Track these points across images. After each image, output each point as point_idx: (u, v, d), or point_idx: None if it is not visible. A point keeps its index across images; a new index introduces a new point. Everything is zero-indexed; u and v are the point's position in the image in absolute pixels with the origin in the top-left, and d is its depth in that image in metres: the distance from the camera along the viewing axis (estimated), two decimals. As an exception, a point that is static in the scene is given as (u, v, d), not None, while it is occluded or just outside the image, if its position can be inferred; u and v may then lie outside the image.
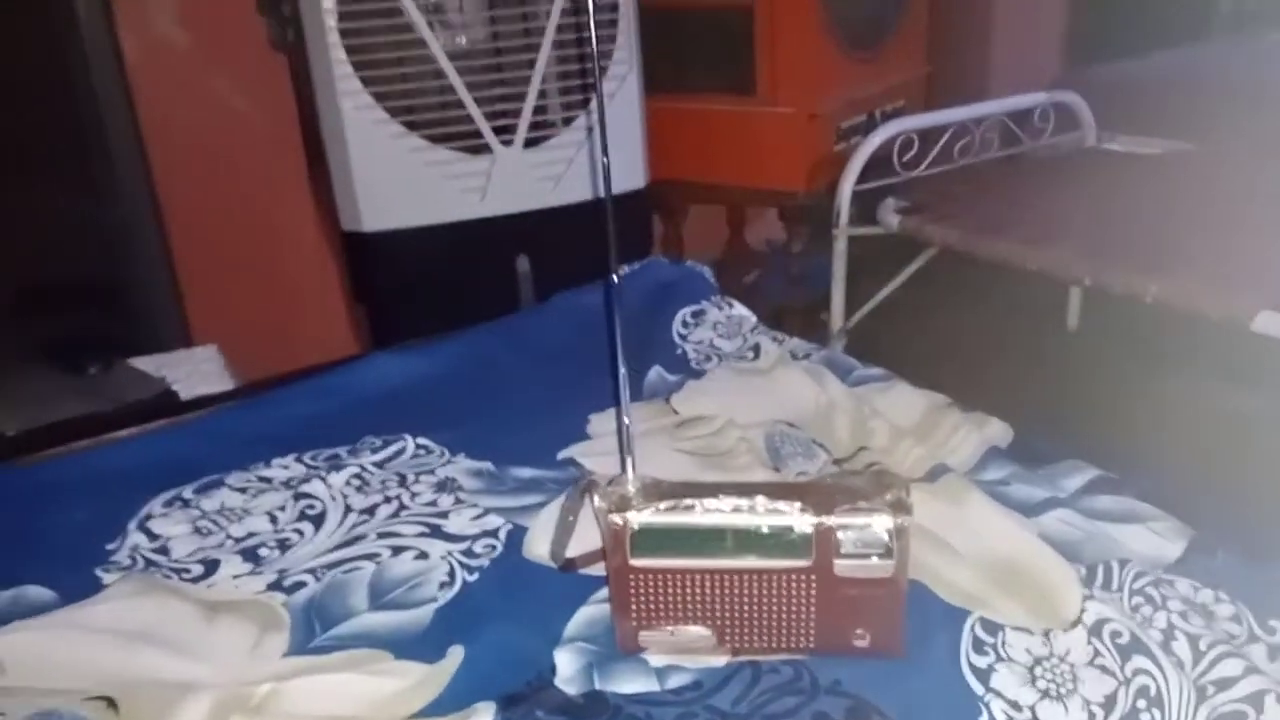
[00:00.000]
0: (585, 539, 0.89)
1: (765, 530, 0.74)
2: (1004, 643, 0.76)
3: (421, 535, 0.94)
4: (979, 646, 0.76)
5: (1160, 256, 1.66)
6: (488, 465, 1.05)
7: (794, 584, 0.74)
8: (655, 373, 1.23)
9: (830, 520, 0.73)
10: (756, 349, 1.28)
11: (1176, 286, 1.58)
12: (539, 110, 1.92)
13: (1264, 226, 1.74)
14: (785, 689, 0.74)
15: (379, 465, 1.07)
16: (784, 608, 0.75)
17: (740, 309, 1.38)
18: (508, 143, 1.91)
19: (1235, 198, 1.93)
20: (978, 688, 0.72)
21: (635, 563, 0.75)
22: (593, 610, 0.83)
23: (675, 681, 0.75)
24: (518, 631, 0.81)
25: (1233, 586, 0.79)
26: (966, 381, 1.07)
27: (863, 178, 2.05)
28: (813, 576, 0.74)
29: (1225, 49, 3.24)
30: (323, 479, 1.03)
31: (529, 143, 1.93)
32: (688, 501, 0.75)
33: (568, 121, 1.93)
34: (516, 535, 0.94)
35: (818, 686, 0.74)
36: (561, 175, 1.94)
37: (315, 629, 0.83)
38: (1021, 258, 1.78)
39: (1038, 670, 0.74)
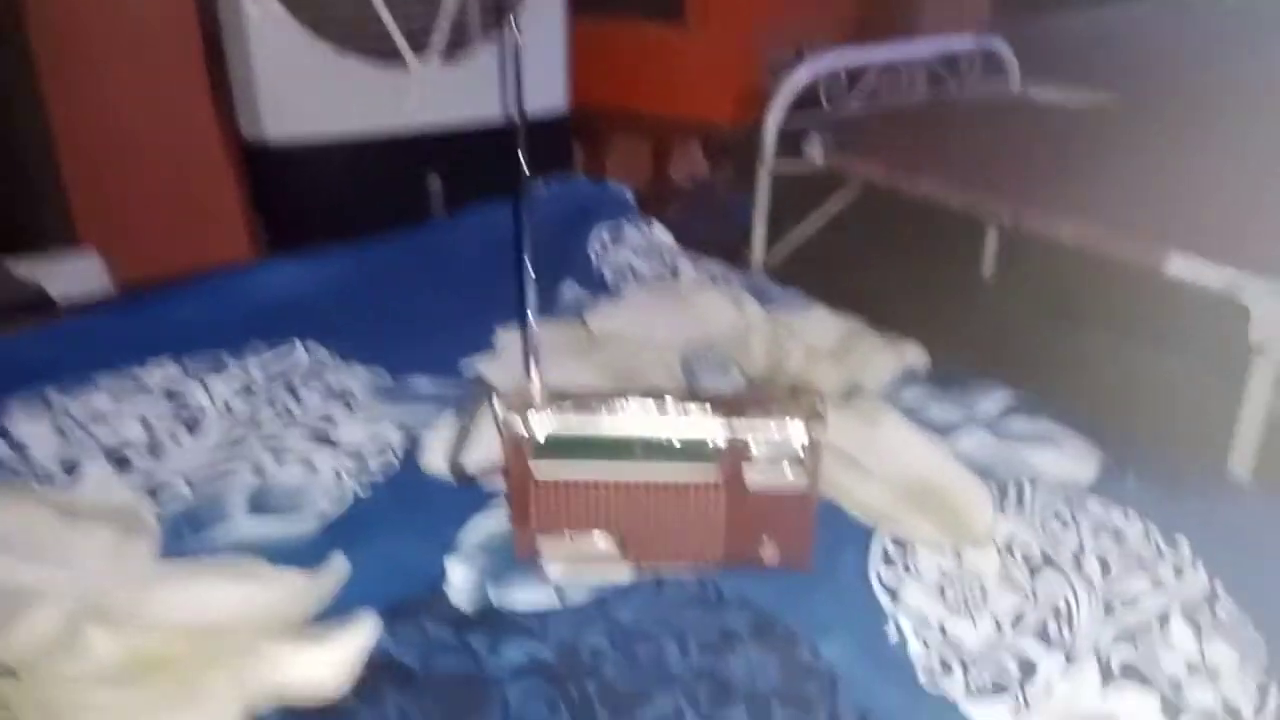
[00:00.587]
0: (484, 451, 0.84)
1: (674, 438, 0.70)
2: (913, 559, 0.74)
3: (308, 442, 0.88)
4: (888, 562, 0.74)
5: (1078, 200, 1.66)
6: (384, 375, 0.99)
7: (703, 495, 0.71)
8: (569, 288, 1.18)
9: (742, 430, 0.69)
10: (675, 271, 1.24)
11: (1092, 229, 1.58)
12: (457, 22, 1.82)
13: (1181, 177, 1.76)
14: (690, 602, 0.71)
15: (265, 371, 0.99)
16: (692, 520, 0.72)
17: (660, 231, 1.34)
18: (422, 54, 1.82)
19: (1154, 149, 1.94)
20: (886, 602, 0.70)
21: (536, 470, 0.70)
22: (490, 521, 0.78)
23: (576, 596, 0.71)
24: (409, 542, 0.76)
25: (1143, 507, 0.78)
26: (878, 324, 1.06)
27: (790, 117, 2.01)
28: (722, 488, 0.71)
29: (1149, 6, 3.27)
30: (203, 383, 0.96)
31: (445, 55, 1.84)
32: (594, 407, 0.70)
33: (487, 32, 1.85)
34: (412, 445, 0.88)
35: (723, 600, 0.71)
36: (479, 91, 1.85)
37: (184, 536, 0.77)
38: (944, 196, 1.77)
39: (946, 586, 0.72)
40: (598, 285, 1.20)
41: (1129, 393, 1.82)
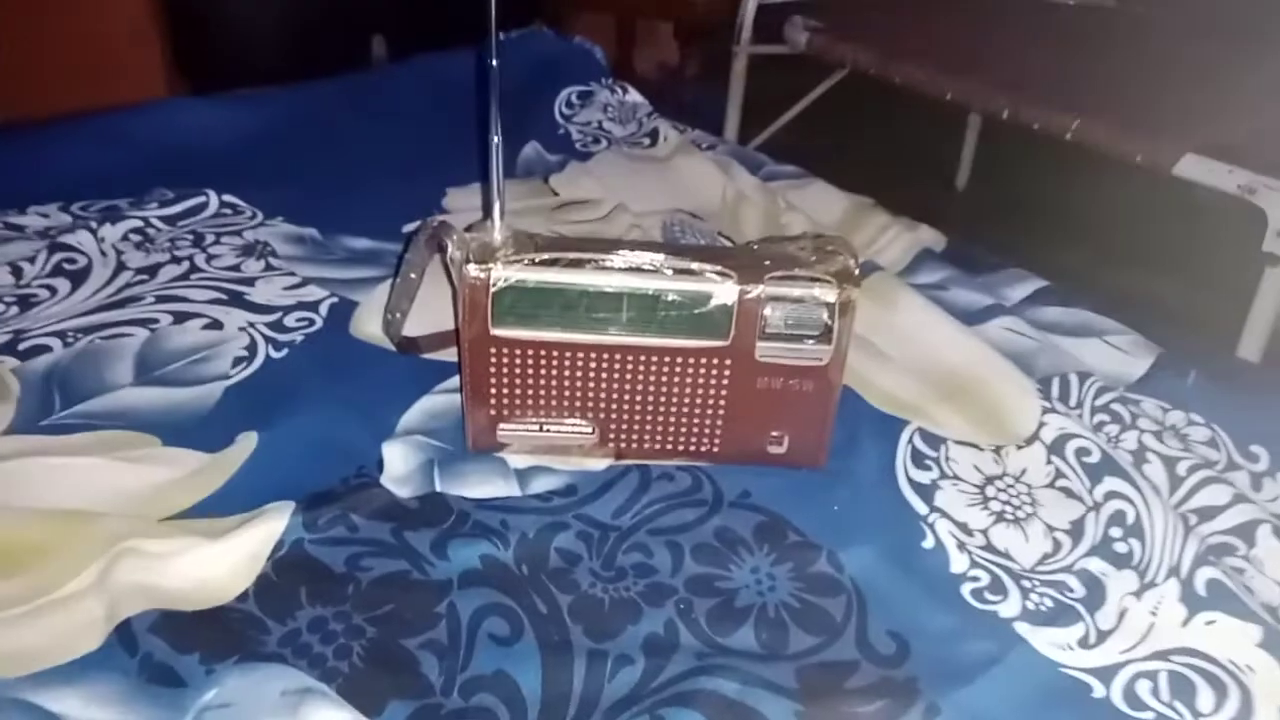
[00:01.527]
0: (433, 317, 0.69)
1: (673, 297, 0.56)
2: (947, 457, 0.62)
3: (216, 303, 0.72)
4: (919, 460, 0.62)
5: (1084, 97, 1.53)
6: (311, 232, 0.83)
7: (703, 370, 0.57)
8: (532, 148, 1.02)
9: (758, 289, 0.55)
10: (654, 135, 1.08)
11: (1099, 126, 1.46)
12: None
13: (1192, 77, 1.64)
14: (680, 499, 0.58)
15: (169, 221, 0.83)
16: (688, 401, 0.58)
17: (635, 95, 1.18)
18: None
19: (1161, 50, 1.82)
20: (919, 506, 0.58)
21: (498, 332, 0.56)
22: (438, 400, 0.64)
23: (541, 485, 0.58)
24: (335, 419, 0.61)
25: (1206, 410, 0.67)
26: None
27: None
28: (727, 361, 0.57)
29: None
30: (91, 231, 0.79)
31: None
32: (573, 256, 0.56)
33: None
34: (343, 310, 0.73)
35: (721, 498, 0.58)
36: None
37: (55, 403, 0.62)
38: (938, 85, 1.62)
39: (989, 490, 0.60)
40: (564, 149, 1.04)
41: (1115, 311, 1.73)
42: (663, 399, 0.58)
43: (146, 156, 0.94)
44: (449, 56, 1.17)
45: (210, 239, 0.81)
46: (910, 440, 0.63)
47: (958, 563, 0.55)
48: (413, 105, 1.08)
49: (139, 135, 0.97)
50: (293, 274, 0.77)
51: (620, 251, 0.56)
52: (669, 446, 0.60)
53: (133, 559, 0.49)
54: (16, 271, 0.74)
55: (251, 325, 0.70)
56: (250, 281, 0.76)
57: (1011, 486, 0.60)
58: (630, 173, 0.99)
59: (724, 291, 0.55)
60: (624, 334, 0.56)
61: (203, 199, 0.86)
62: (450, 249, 0.57)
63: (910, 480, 0.60)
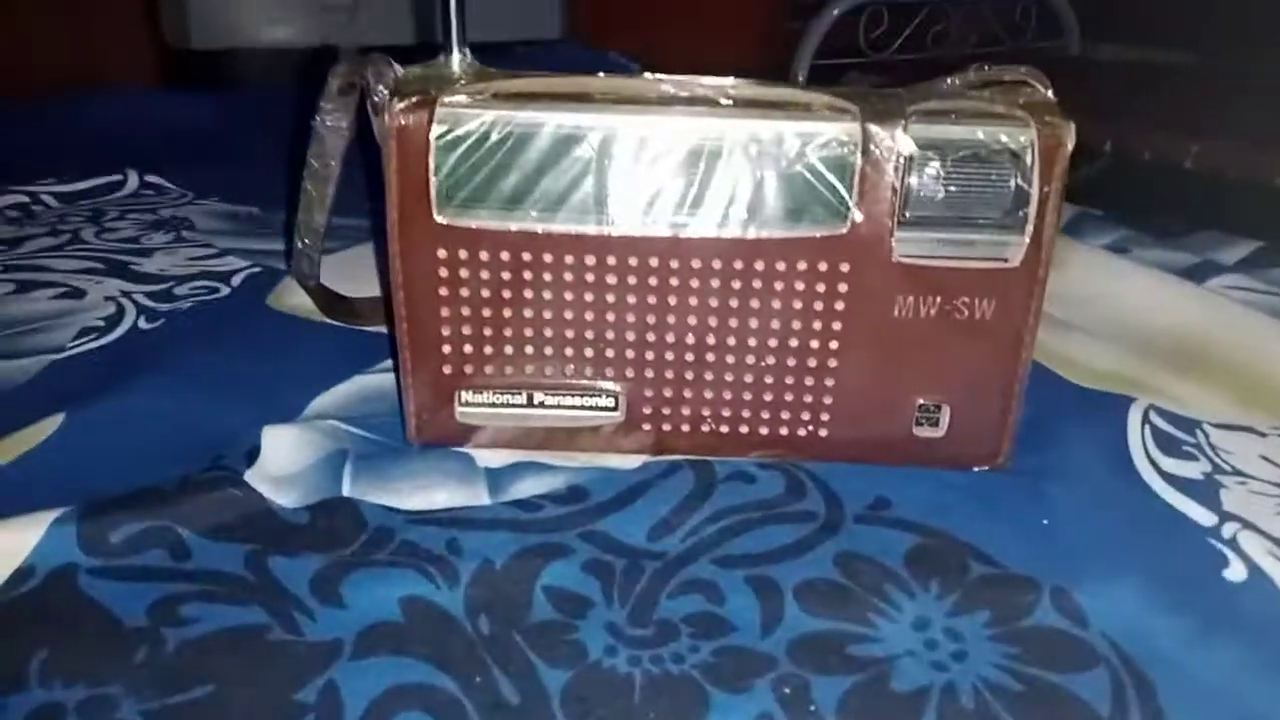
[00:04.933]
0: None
1: (747, 147, 0.32)
2: (1211, 445, 0.37)
3: (86, 273, 0.51)
4: (1171, 447, 0.36)
5: (1197, 121, 1.32)
6: (251, 210, 0.63)
7: (800, 286, 0.34)
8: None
9: (893, 131, 0.32)
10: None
11: (1221, 143, 1.23)
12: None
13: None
14: (768, 511, 0.33)
15: (64, 198, 0.63)
16: (774, 346, 0.34)
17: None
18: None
19: (1251, 105, 1.60)
20: (1198, 512, 0.33)
21: (448, 220, 0.33)
22: (376, 380, 0.41)
23: (527, 488, 0.34)
24: (200, 399, 0.38)
25: None
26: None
27: (824, 56, 1.68)
28: (843, 266, 0.33)
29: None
30: (-46, 204, 0.59)
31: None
32: (572, 87, 0.33)
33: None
34: (264, 280, 0.51)
35: (840, 509, 0.33)
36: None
37: None
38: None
39: (1304, 490, 0.34)
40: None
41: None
42: (731, 340, 0.34)
43: (75, 138, 0.76)
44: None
45: (113, 215, 0.61)
46: (1146, 419, 0.38)
47: (1299, 607, 0.29)
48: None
49: (73, 118, 0.79)
50: (210, 245, 0.56)
51: (653, 79, 0.33)
52: (744, 430, 0.36)
53: None
54: None
55: (126, 295, 0.48)
56: (146, 253, 0.54)
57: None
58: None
59: (835, 135, 0.32)
60: (662, 223, 0.33)
61: (118, 178, 0.67)
62: (373, 90, 0.34)
63: (1164, 474, 0.35)
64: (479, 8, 1.40)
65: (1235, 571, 0.30)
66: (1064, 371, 0.42)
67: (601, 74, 0.34)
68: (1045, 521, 0.33)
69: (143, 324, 0.45)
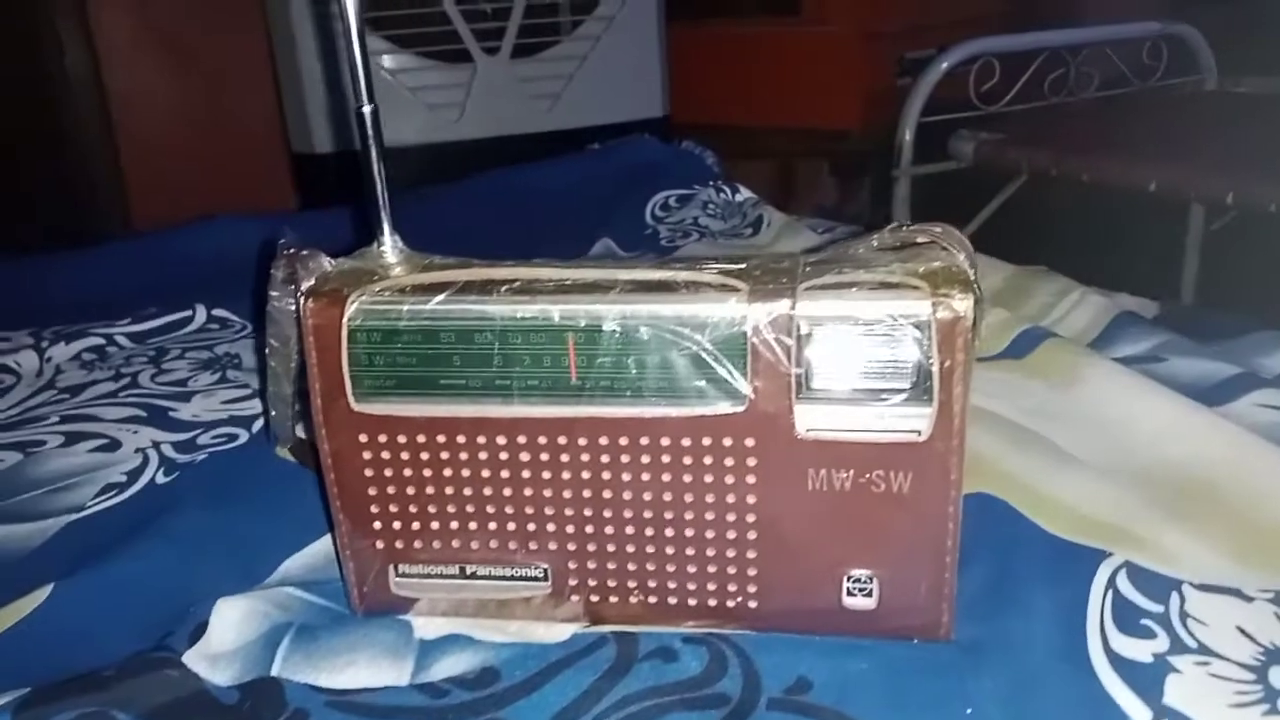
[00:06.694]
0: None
1: (643, 332, 0.33)
2: (1184, 613, 0.34)
3: (129, 420, 0.55)
4: (1128, 621, 0.34)
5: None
6: (300, 341, 0.66)
7: (709, 461, 0.33)
8: (602, 245, 0.83)
9: (783, 305, 0.32)
10: (758, 223, 0.87)
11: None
12: (533, 11, 1.56)
13: None
14: (681, 694, 0.33)
15: (136, 338, 0.69)
16: (688, 515, 0.34)
17: (746, 192, 0.98)
18: (492, 51, 1.56)
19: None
20: (1134, 707, 0.30)
21: (364, 408, 0.35)
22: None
23: (446, 668, 0.35)
24: (174, 565, 0.41)
25: None
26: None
27: (932, 112, 1.65)
28: (748, 441, 0.33)
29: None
30: (39, 350, 0.65)
31: (519, 51, 1.57)
32: (481, 275, 0.35)
33: (568, 27, 1.57)
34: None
35: (757, 691, 0.32)
36: (558, 93, 1.57)
37: None
38: (1138, 174, 1.34)
39: (1275, 675, 0.31)
40: (642, 244, 0.85)
41: None
42: (649, 517, 0.34)
43: (162, 273, 0.83)
44: (523, 169, 1.05)
45: (174, 354, 0.66)
46: (1111, 584, 0.35)
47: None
48: (461, 221, 0.93)
49: (161, 254, 0.87)
50: (246, 386, 0.60)
51: (559, 267, 0.34)
52: (673, 601, 0.35)
53: None
54: (-76, 395, 0.60)
55: (155, 445, 0.52)
56: (187, 397, 0.58)
57: (1324, 667, 0.31)
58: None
59: (724, 315, 0.32)
60: (574, 402, 0.34)
61: (187, 314, 0.72)
62: (300, 286, 0.36)
63: (1113, 656, 0.32)
64: (592, 95, 1.46)
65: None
66: (1042, 519, 0.40)
67: (537, 260, 0.35)
68: (969, 711, 0.31)
69: (160, 478, 0.49)
